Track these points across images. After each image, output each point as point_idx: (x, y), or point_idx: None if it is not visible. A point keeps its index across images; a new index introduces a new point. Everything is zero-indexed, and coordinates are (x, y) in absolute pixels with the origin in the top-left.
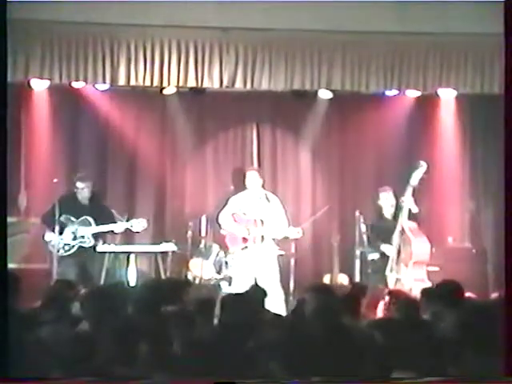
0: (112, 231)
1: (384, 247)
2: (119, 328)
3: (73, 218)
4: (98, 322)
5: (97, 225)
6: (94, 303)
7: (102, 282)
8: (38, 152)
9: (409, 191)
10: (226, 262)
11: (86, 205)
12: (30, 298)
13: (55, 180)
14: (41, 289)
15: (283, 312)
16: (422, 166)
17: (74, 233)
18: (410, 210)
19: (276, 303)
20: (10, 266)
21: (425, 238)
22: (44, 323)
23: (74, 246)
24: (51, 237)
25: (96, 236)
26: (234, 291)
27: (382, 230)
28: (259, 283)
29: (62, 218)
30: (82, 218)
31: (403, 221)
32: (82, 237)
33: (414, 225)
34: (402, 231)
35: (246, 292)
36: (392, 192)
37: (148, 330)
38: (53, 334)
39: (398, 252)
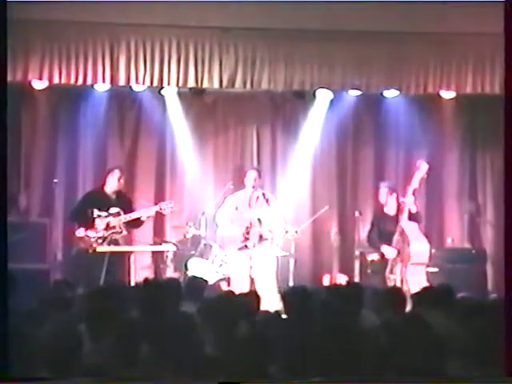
0: (141, 217)
1: (384, 248)
2: (119, 328)
3: (102, 211)
4: (99, 322)
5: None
6: (94, 303)
7: (101, 282)
8: (38, 152)
9: (410, 191)
10: (226, 262)
11: (114, 197)
12: (31, 299)
13: (55, 180)
14: (41, 289)
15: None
16: (424, 167)
17: (106, 224)
18: (409, 210)
19: (273, 303)
20: (10, 266)
21: (424, 239)
22: (44, 323)
23: (106, 237)
24: (83, 232)
25: (126, 226)
26: (233, 291)
27: (383, 230)
28: (256, 283)
29: (91, 212)
30: (111, 209)
31: (403, 221)
32: (114, 227)
33: (414, 225)
34: (402, 232)
35: (244, 293)
36: (394, 191)
37: (148, 331)
38: (53, 334)
39: (398, 253)
